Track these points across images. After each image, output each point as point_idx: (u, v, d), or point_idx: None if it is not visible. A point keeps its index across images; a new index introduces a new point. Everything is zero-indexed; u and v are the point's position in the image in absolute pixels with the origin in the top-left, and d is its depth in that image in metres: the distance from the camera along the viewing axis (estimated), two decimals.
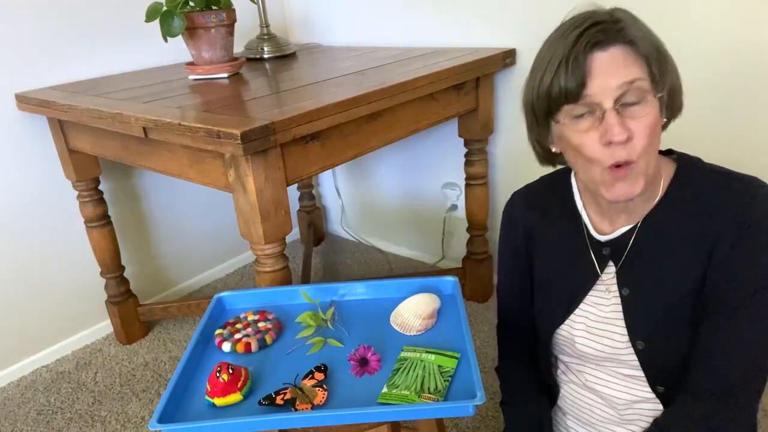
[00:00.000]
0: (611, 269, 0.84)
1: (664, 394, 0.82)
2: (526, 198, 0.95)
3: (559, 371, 0.96)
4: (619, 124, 0.69)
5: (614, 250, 0.83)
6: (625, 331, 0.81)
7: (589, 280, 0.86)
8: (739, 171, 0.79)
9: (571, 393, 0.93)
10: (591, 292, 0.86)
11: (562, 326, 0.88)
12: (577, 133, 0.72)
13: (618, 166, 0.71)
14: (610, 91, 0.69)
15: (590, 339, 0.86)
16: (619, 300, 0.82)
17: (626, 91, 0.69)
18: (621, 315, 0.82)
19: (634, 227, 0.81)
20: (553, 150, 0.81)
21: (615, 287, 0.83)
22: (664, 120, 0.76)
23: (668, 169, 0.81)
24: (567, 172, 0.92)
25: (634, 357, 0.82)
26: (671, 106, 0.76)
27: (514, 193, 0.97)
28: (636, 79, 0.69)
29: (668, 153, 0.84)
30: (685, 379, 0.78)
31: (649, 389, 0.83)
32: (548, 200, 0.92)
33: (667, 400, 0.82)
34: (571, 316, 0.87)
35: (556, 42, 0.73)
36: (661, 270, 0.79)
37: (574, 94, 0.70)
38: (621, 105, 0.69)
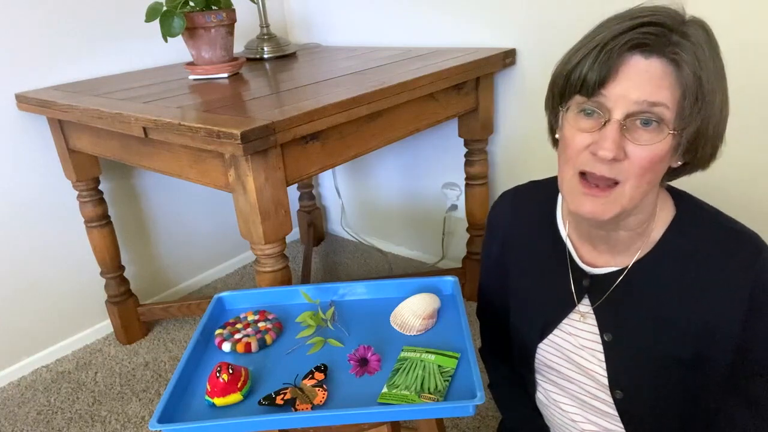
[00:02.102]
0: (587, 301, 0.80)
1: None
2: (511, 202, 0.91)
3: (538, 394, 0.94)
4: (613, 140, 0.62)
5: (595, 285, 0.79)
6: (605, 375, 0.78)
7: (565, 306, 0.82)
8: (736, 220, 0.73)
9: (551, 415, 0.92)
10: (566, 320, 0.82)
11: (538, 349, 0.86)
12: (573, 128, 0.66)
13: (590, 179, 0.66)
14: (627, 103, 0.62)
15: (566, 368, 0.84)
16: (599, 341, 0.79)
17: (643, 111, 0.62)
18: (602, 358, 0.78)
19: (622, 270, 0.76)
20: (556, 136, 0.75)
21: (594, 324, 0.79)
22: (680, 162, 0.70)
23: (667, 212, 0.75)
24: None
25: (611, 401, 0.80)
26: (691, 151, 0.67)
27: (503, 194, 0.93)
28: (660, 103, 0.61)
29: (668, 191, 0.78)
30: None
31: (622, 428, 0.81)
32: (533, 209, 0.87)
33: None
34: (546, 340, 0.85)
35: (609, 23, 0.65)
36: (650, 325, 0.74)
37: (590, 89, 0.63)
38: (630, 121, 0.62)
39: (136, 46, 1.86)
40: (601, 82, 0.62)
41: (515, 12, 1.67)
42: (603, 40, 0.63)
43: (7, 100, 1.63)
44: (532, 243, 0.86)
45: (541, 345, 0.86)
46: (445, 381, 0.79)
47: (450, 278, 1.02)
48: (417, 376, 0.80)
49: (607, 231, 0.74)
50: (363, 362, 0.84)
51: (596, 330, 0.79)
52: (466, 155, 1.80)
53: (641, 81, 0.61)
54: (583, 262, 0.80)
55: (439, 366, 0.82)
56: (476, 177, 1.81)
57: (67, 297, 1.87)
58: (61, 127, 1.60)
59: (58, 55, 1.70)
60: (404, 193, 2.24)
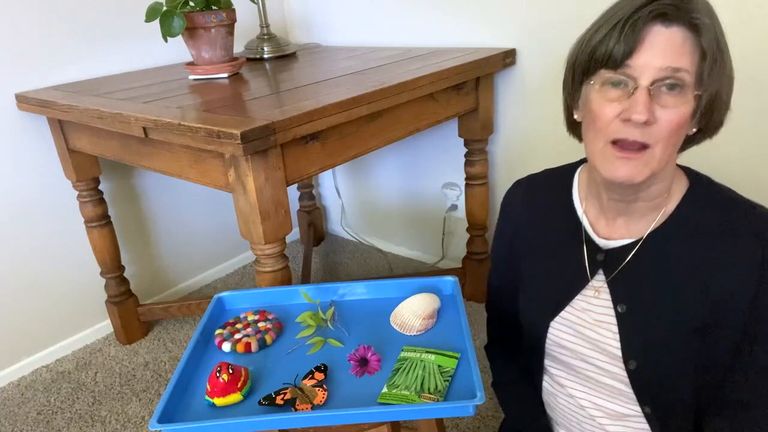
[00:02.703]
0: (601, 276, 0.81)
1: (651, 416, 0.80)
2: (525, 188, 0.93)
3: (545, 382, 0.94)
4: (644, 104, 0.66)
5: (609, 259, 0.80)
6: (618, 347, 0.79)
7: (578, 282, 0.83)
8: (748, 198, 0.77)
9: (558, 404, 0.92)
10: (579, 296, 0.83)
11: (550, 328, 0.86)
12: (601, 99, 0.70)
13: (622, 146, 0.69)
14: (652, 70, 0.66)
15: (579, 345, 0.84)
16: (613, 314, 0.80)
17: (667, 77, 0.66)
18: (616, 330, 0.79)
19: (637, 242, 0.79)
20: (575, 117, 0.79)
21: (608, 299, 0.80)
22: (694, 130, 0.73)
23: (680, 185, 0.79)
24: (573, 167, 0.90)
25: (625, 374, 0.80)
26: (707, 115, 0.72)
27: (516, 182, 0.96)
28: (682, 69, 0.66)
29: (682, 169, 0.81)
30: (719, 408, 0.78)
31: (637, 406, 0.81)
32: (548, 193, 0.90)
33: (653, 421, 0.81)
34: (558, 318, 0.85)
35: (623, 2, 0.69)
36: (663, 294, 0.76)
37: (617, 61, 0.67)
38: (656, 88, 0.67)
39: (136, 46, 1.86)
40: (628, 54, 0.67)
41: (515, 12, 1.67)
42: (625, 14, 0.67)
43: (7, 100, 1.63)
44: (547, 224, 0.88)
45: (552, 323, 0.86)
46: (445, 381, 0.79)
47: (450, 278, 1.02)
48: (417, 376, 0.81)
49: (628, 203, 0.77)
50: (363, 362, 0.84)
51: (610, 303, 0.80)
52: (466, 155, 1.80)
53: (664, 49, 0.66)
54: (599, 236, 0.83)
55: (439, 366, 0.82)
56: (476, 177, 1.81)
57: (67, 297, 1.87)
58: (61, 127, 1.60)
59: (58, 55, 1.70)
60: (404, 193, 2.24)
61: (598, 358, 0.82)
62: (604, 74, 0.69)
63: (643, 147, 0.69)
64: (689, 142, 0.76)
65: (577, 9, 1.53)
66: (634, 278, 0.78)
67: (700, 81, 0.67)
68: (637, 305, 0.78)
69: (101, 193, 1.74)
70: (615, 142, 0.70)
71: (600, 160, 0.72)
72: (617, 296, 0.80)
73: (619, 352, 0.79)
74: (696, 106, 0.69)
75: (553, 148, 1.74)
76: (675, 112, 0.67)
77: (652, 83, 0.66)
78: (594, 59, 0.70)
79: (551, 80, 1.66)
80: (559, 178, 0.90)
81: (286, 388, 0.80)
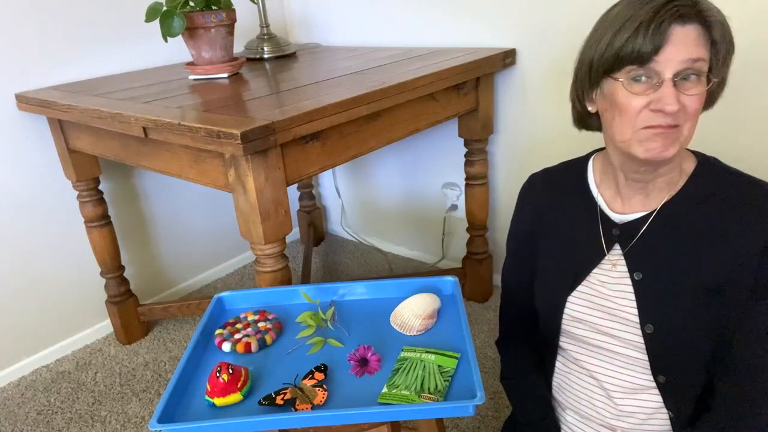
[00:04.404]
0: (618, 250, 0.86)
1: (664, 385, 0.83)
2: (542, 178, 0.98)
3: (558, 362, 0.96)
4: (674, 95, 0.73)
5: (625, 232, 0.85)
6: (636, 313, 0.83)
7: (595, 257, 0.88)
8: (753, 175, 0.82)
9: (570, 383, 0.93)
10: (595, 270, 0.87)
11: (567, 303, 0.89)
12: (628, 93, 0.76)
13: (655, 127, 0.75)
14: (675, 64, 0.73)
15: (596, 317, 0.87)
16: (629, 282, 0.84)
17: (687, 68, 0.73)
18: (632, 297, 0.83)
19: (650, 214, 0.84)
20: (590, 109, 0.85)
21: (624, 269, 0.85)
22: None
23: (689, 163, 0.85)
24: (586, 157, 0.94)
25: (641, 340, 0.83)
26: (714, 95, 0.80)
27: (532, 174, 1.00)
28: (700, 59, 0.74)
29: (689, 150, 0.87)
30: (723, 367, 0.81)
31: (650, 377, 0.84)
32: (564, 180, 0.95)
33: (666, 392, 0.83)
34: (575, 292, 0.89)
35: (634, 5, 0.76)
36: (677, 259, 0.81)
37: (645, 57, 0.74)
38: (678, 78, 0.74)
39: (136, 46, 1.86)
40: (656, 51, 0.74)
41: (515, 12, 1.67)
42: (647, 16, 0.74)
43: (7, 100, 1.63)
44: (564, 206, 0.93)
45: (570, 298, 0.89)
46: (445, 381, 0.80)
47: (450, 278, 1.02)
48: (417, 376, 0.81)
49: (646, 182, 0.83)
50: (363, 362, 0.84)
51: (626, 273, 0.85)
52: (466, 155, 1.80)
53: (684, 44, 0.74)
54: (615, 213, 0.88)
55: (439, 366, 0.82)
56: (476, 177, 1.81)
57: (67, 297, 1.87)
58: (61, 127, 1.60)
59: (58, 55, 1.70)
60: (404, 193, 2.24)
61: (615, 328, 0.85)
62: (630, 70, 0.75)
63: (674, 127, 0.75)
64: None
65: (577, 9, 1.53)
66: (649, 247, 0.83)
67: (715, 67, 0.76)
68: (652, 271, 0.83)
69: (101, 193, 1.74)
70: (646, 128, 0.76)
71: (635, 144, 0.77)
72: (633, 265, 0.84)
73: (636, 318, 0.83)
74: (709, 90, 0.77)
75: (553, 147, 1.74)
76: (696, 97, 0.75)
77: (675, 75, 0.73)
78: (620, 58, 0.75)
79: (551, 80, 1.66)
80: (574, 167, 0.95)
81: (286, 388, 0.80)
